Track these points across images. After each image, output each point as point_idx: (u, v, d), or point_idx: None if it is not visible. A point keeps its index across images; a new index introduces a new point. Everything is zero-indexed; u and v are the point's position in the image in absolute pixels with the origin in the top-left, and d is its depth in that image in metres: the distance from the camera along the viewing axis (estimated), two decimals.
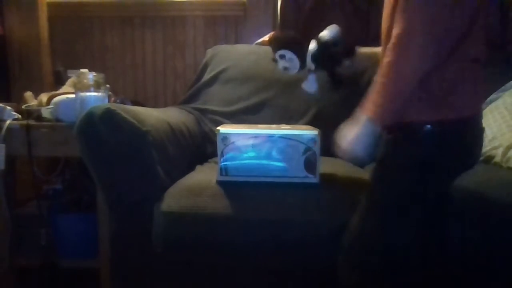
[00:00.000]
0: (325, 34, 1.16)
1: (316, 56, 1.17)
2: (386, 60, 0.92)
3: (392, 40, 0.91)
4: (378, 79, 0.93)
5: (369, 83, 1.21)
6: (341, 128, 0.99)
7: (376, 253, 1.03)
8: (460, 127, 0.99)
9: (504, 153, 1.35)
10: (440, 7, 0.90)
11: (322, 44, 1.16)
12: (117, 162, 1.19)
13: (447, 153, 0.99)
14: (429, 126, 0.97)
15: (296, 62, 1.22)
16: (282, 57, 1.23)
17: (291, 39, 1.24)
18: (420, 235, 1.04)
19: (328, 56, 1.18)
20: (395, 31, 0.91)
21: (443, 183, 1.05)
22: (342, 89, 1.26)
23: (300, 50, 1.20)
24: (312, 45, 1.17)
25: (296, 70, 1.24)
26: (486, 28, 1.79)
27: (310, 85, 1.23)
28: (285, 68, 1.25)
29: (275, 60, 1.26)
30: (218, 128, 1.24)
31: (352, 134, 0.96)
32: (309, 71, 1.22)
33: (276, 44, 1.25)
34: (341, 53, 1.19)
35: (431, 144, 0.98)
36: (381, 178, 1.05)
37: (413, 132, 0.99)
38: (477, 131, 1.03)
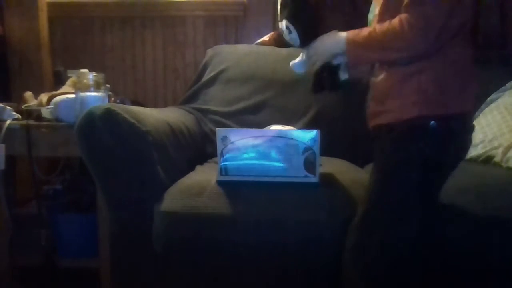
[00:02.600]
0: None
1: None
2: (402, 16, 0.97)
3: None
4: (385, 27, 1.00)
5: (367, 85, 1.22)
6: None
7: (381, 253, 1.03)
8: (461, 123, 1.02)
9: (504, 153, 1.35)
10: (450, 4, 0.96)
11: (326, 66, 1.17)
12: (117, 162, 1.19)
13: (449, 149, 1.00)
14: (433, 122, 0.97)
15: (297, 41, 1.20)
16: (287, 28, 1.19)
17: (301, 14, 1.20)
18: (421, 233, 1.04)
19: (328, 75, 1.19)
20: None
21: (444, 178, 1.05)
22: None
23: (304, 31, 1.19)
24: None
25: (294, 45, 1.23)
26: (486, 29, 1.78)
27: (299, 66, 1.25)
28: (289, 39, 1.22)
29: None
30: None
31: (326, 37, 1.12)
32: (303, 56, 1.22)
33: (287, 10, 1.19)
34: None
35: (436, 141, 0.99)
36: (386, 176, 1.05)
37: (418, 129, 1.00)
38: (472, 127, 1.07)
